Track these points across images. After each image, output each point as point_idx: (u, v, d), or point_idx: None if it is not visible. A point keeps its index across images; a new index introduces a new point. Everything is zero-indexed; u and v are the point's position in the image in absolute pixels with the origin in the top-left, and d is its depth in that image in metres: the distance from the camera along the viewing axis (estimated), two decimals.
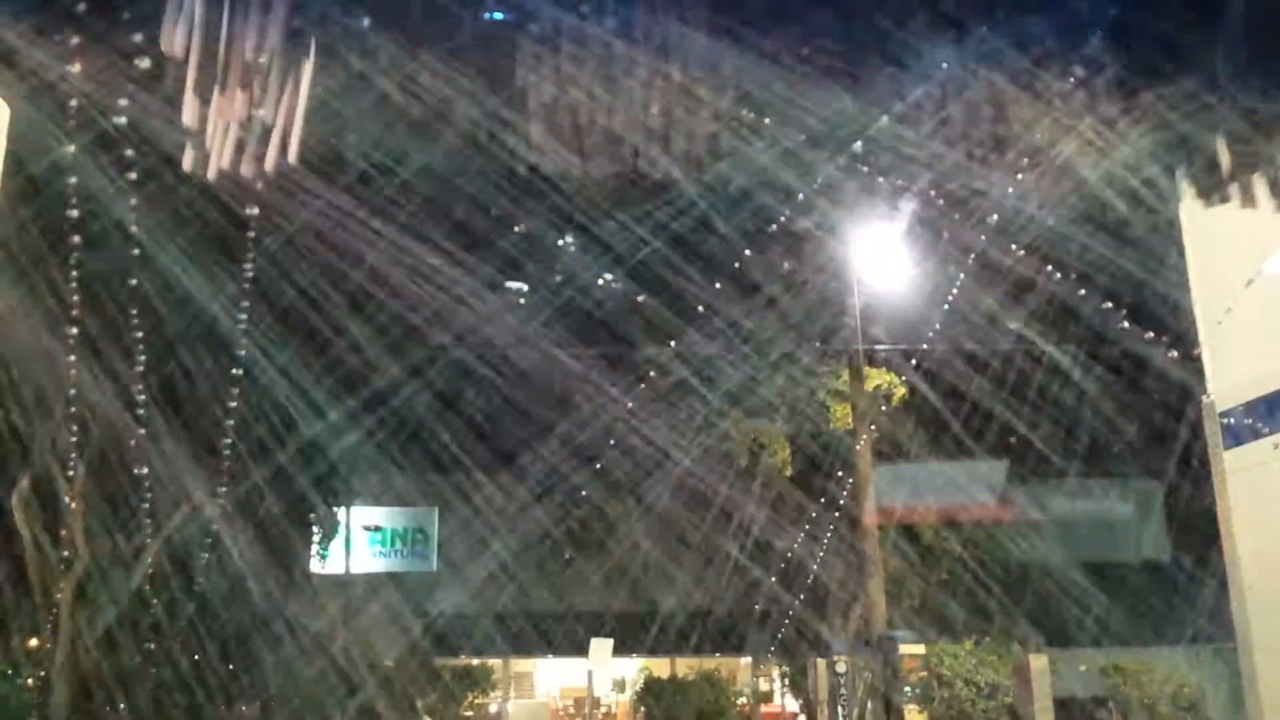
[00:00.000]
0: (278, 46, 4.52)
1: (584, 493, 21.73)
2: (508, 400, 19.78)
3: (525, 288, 16.80)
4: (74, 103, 5.21)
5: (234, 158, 4.68)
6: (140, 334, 12.80)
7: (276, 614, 18.29)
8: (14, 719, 16.00)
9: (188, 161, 4.74)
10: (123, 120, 5.26)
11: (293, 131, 4.67)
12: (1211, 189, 6.04)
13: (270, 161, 4.70)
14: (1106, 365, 17.95)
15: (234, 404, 14.79)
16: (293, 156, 4.72)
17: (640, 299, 16.38)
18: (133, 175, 8.15)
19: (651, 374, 18.48)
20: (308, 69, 4.62)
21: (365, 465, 22.00)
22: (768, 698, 27.96)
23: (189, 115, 4.57)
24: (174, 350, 14.88)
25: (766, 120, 5.25)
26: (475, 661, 25.32)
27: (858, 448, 18.25)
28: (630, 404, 18.17)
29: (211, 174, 4.71)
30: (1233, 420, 6.74)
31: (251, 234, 11.16)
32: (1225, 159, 5.97)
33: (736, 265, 14.92)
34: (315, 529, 21.97)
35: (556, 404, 19.66)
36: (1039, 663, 17.46)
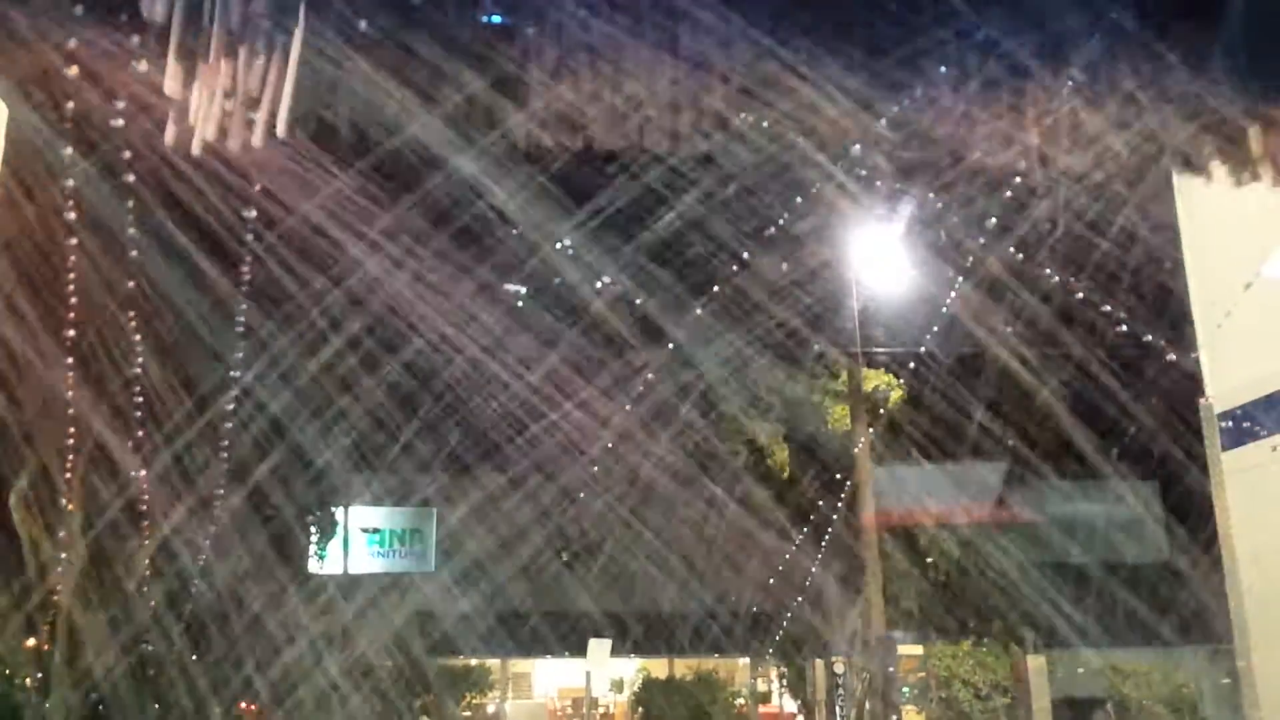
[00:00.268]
0: (264, 11, 4.44)
1: (582, 494, 21.73)
2: (506, 400, 19.76)
3: (523, 289, 16.81)
4: (70, 105, 5.13)
5: (219, 131, 4.57)
6: (136, 333, 12.78)
7: (274, 614, 18.28)
8: (12, 719, 16.01)
9: (170, 135, 4.62)
10: (119, 122, 5.19)
11: (281, 104, 4.58)
12: (1210, 189, 6.03)
13: (258, 136, 4.61)
14: (1106, 365, 17.95)
15: (231, 405, 14.78)
16: (281, 130, 4.62)
17: (638, 300, 16.38)
18: (129, 175, 8.13)
19: (649, 374, 18.47)
20: (297, 37, 4.54)
21: (363, 465, 22.01)
22: (766, 698, 27.99)
23: (171, 84, 4.46)
24: (171, 349, 14.87)
25: (765, 122, 5.23)
26: (473, 662, 25.33)
27: (856, 449, 18.28)
28: (627, 404, 18.16)
29: (196, 148, 4.60)
30: (1231, 422, 6.73)
31: (249, 235, 11.14)
32: (1224, 160, 5.96)
33: (735, 265, 14.91)
34: (313, 529, 22.00)
35: (555, 404, 19.63)
36: (1037, 663, 17.53)
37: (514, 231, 14.89)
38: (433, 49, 4.78)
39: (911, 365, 19.16)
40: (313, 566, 22.77)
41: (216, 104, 4.48)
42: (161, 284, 12.97)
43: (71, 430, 14.12)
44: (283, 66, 4.50)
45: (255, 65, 4.45)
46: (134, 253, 10.93)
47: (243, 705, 18.64)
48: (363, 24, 4.74)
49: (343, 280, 14.30)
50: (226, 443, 15.74)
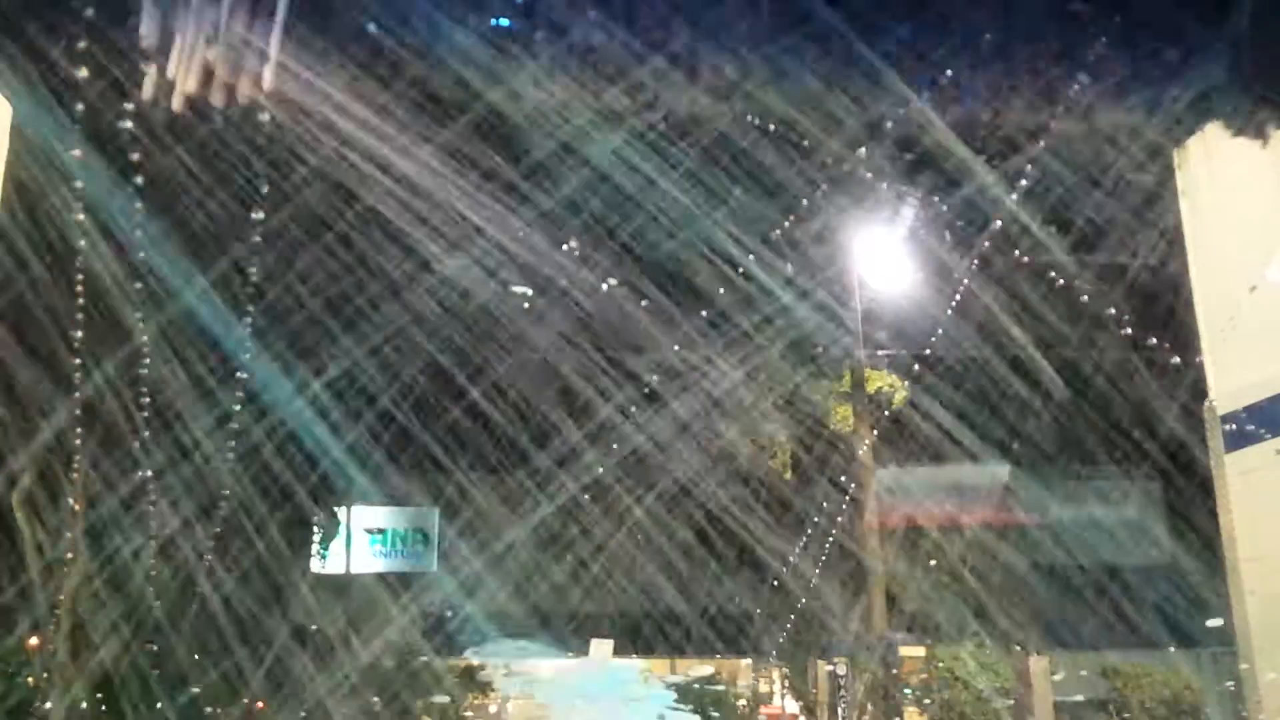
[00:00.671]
0: None
1: (585, 495, 21.72)
2: (510, 399, 19.76)
3: (530, 292, 16.80)
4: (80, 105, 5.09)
5: (201, 85, 4.49)
6: (140, 331, 12.74)
7: (276, 614, 18.29)
8: (14, 718, 16.01)
9: (148, 89, 4.55)
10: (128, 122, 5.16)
11: (268, 56, 4.52)
12: (1215, 194, 6.03)
13: (244, 91, 4.54)
14: (1108, 365, 17.93)
15: (235, 405, 14.76)
16: (267, 84, 4.56)
17: (643, 301, 16.36)
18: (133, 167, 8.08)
19: (653, 375, 18.46)
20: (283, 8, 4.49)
21: (366, 465, 22.00)
22: (768, 699, 27.96)
23: (148, 33, 4.39)
24: (172, 346, 14.84)
25: (771, 123, 5.23)
26: (475, 662, 25.33)
27: (859, 451, 18.27)
28: (632, 405, 18.16)
29: (177, 104, 4.53)
30: (1235, 424, 6.73)
31: (255, 237, 11.10)
32: (1229, 162, 5.96)
33: (738, 265, 14.90)
34: (315, 529, 22.01)
35: (558, 403, 19.63)
36: (1039, 665, 17.51)
37: (519, 233, 14.86)
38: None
39: (915, 366, 19.14)
40: (315, 565, 22.79)
41: (199, 50, 4.38)
42: (164, 276, 12.92)
43: (76, 429, 14.12)
44: (271, 9, 4.42)
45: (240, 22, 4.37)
46: (138, 250, 10.90)
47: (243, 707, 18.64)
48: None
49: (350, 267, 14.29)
50: (231, 439, 15.73)
